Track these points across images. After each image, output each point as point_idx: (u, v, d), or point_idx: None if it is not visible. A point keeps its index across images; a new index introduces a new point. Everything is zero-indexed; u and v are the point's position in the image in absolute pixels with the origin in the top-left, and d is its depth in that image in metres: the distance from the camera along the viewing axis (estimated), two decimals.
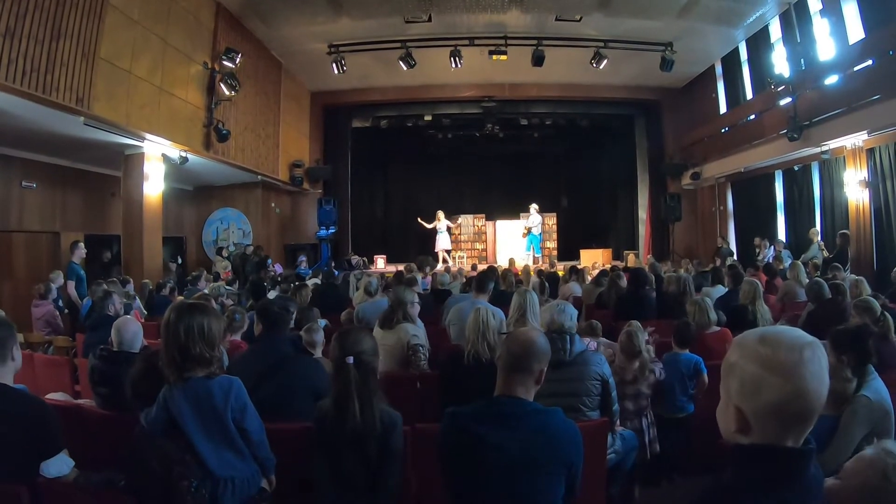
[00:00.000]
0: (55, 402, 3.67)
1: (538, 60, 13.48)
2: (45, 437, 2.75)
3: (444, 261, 16.51)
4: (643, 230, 18.27)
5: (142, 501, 2.45)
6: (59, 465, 2.78)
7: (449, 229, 17.39)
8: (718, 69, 15.91)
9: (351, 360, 2.60)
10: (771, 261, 11.41)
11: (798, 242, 12.84)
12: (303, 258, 14.23)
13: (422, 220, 17.28)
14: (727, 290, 7.30)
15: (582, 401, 3.46)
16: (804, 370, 1.30)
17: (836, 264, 8.77)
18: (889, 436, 2.89)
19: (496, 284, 7.16)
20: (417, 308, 5.03)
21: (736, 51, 14.75)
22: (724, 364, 1.44)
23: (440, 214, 17.16)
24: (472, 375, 3.70)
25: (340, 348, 2.67)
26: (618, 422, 3.84)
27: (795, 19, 11.76)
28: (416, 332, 4.73)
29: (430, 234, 17.47)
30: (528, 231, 16.88)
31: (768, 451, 1.34)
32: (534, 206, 17.03)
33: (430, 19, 12.62)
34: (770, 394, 1.31)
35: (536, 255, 16.71)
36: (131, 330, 3.81)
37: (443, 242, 17.05)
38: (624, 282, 7.76)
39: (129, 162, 10.38)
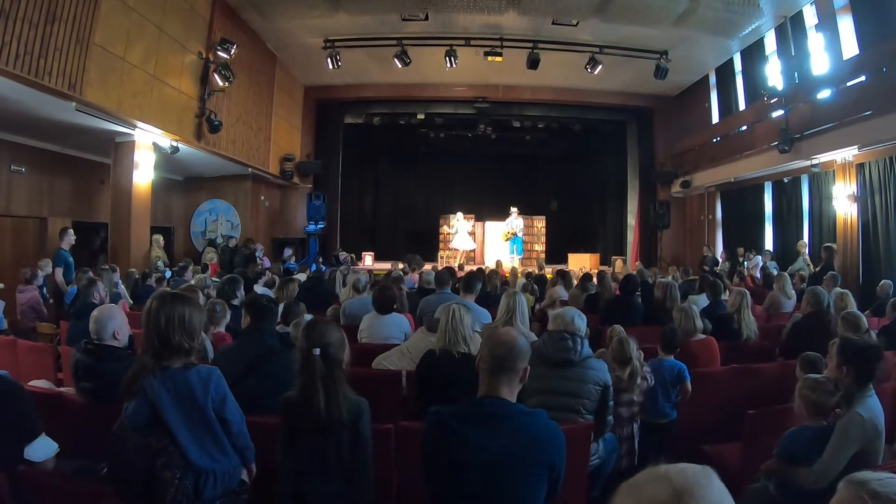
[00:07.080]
0: (37, 390, 3.64)
1: (533, 63, 13.52)
2: (22, 420, 2.74)
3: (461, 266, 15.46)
4: (631, 236, 18.38)
5: (124, 493, 2.43)
6: (45, 449, 2.75)
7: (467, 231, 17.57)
8: (712, 79, 16.00)
9: (317, 351, 2.62)
10: (759, 272, 11.50)
11: (785, 254, 12.94)
12: (289, 251, 14.14)
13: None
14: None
15: (582, 402, 3.49)
16: None
17: (823, 277, 8.81)
18: (878, 454, 2.90)
19: (482, 286, 7.18)
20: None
21: (730, 61, 14.86)
22: None
23: (459, 214, 17.27)
24: (444, 369, 3.76)
25: (307, 340, 2.68)
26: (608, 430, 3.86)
27: (791, 33, 11.87)
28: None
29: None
30: (514, 234, 16.89)
31: None
32: (514, 210, 17.14)
33: (426, 18, 12.61)
34: None
35: (519, 257, 16.73)
36: (114, 321, 3.61)
37: (458, 242, 17.20)
38: (609, 284, 7.81)
39: (120, 149, 10.31)
